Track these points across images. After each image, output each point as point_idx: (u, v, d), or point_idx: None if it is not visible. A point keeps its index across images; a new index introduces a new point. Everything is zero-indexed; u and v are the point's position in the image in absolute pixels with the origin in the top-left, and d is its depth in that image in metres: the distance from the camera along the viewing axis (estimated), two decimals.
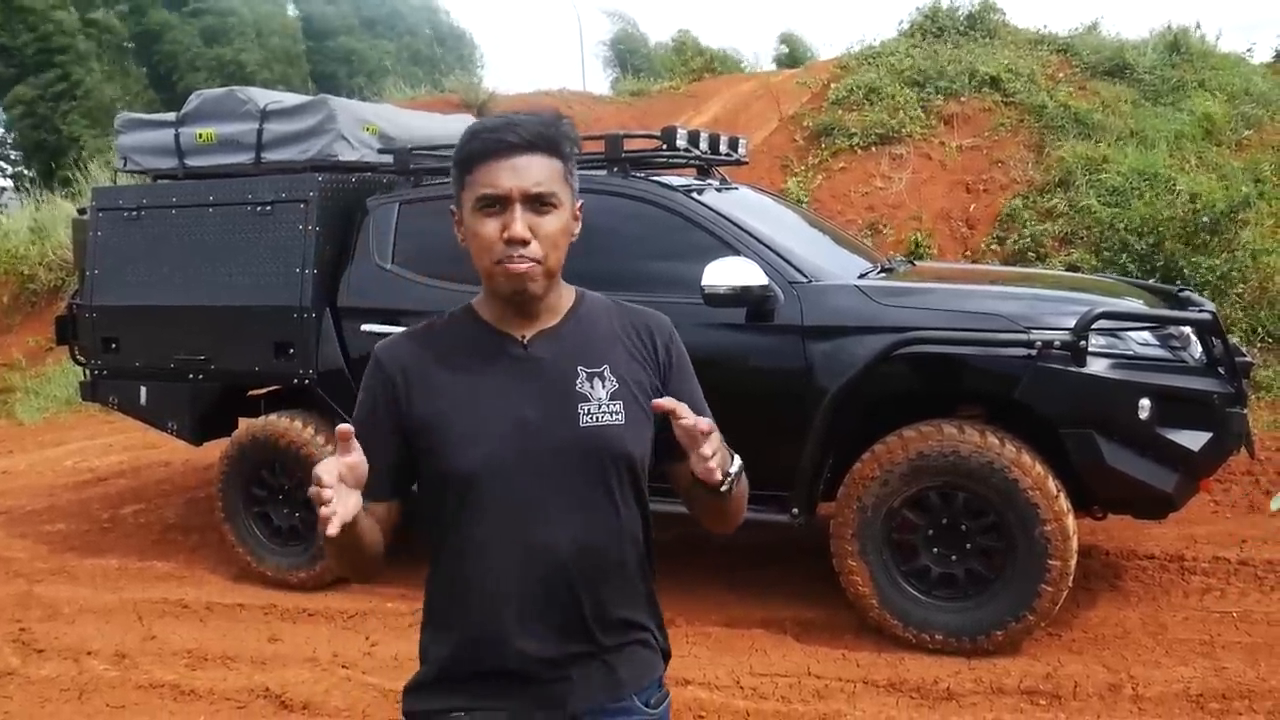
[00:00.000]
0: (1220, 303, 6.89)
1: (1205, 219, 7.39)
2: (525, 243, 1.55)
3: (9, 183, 31.14)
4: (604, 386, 1.63)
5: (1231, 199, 7.45)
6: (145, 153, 5.63)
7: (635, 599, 1.68)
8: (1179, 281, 6.72)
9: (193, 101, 5.59)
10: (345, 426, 1.43)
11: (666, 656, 1.77)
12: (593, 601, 1.60)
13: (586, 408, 1.61)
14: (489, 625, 1.59)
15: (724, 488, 1.54)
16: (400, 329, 4.62)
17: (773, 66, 16.24)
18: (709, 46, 18.03)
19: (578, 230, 1.66)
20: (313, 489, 1.38)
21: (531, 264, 1.56)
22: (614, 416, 1.62)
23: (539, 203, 1.56)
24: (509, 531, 1.57)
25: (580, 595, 1.59)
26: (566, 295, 1.70)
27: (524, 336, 1.64)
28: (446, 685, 1.63)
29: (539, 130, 1.57)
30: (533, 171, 1.55)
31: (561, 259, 1.62)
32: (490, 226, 1.56)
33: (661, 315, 1.76)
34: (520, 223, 1.54)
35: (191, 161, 5.45)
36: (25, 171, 31.05)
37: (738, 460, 1.61)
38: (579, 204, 1.66)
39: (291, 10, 38.39)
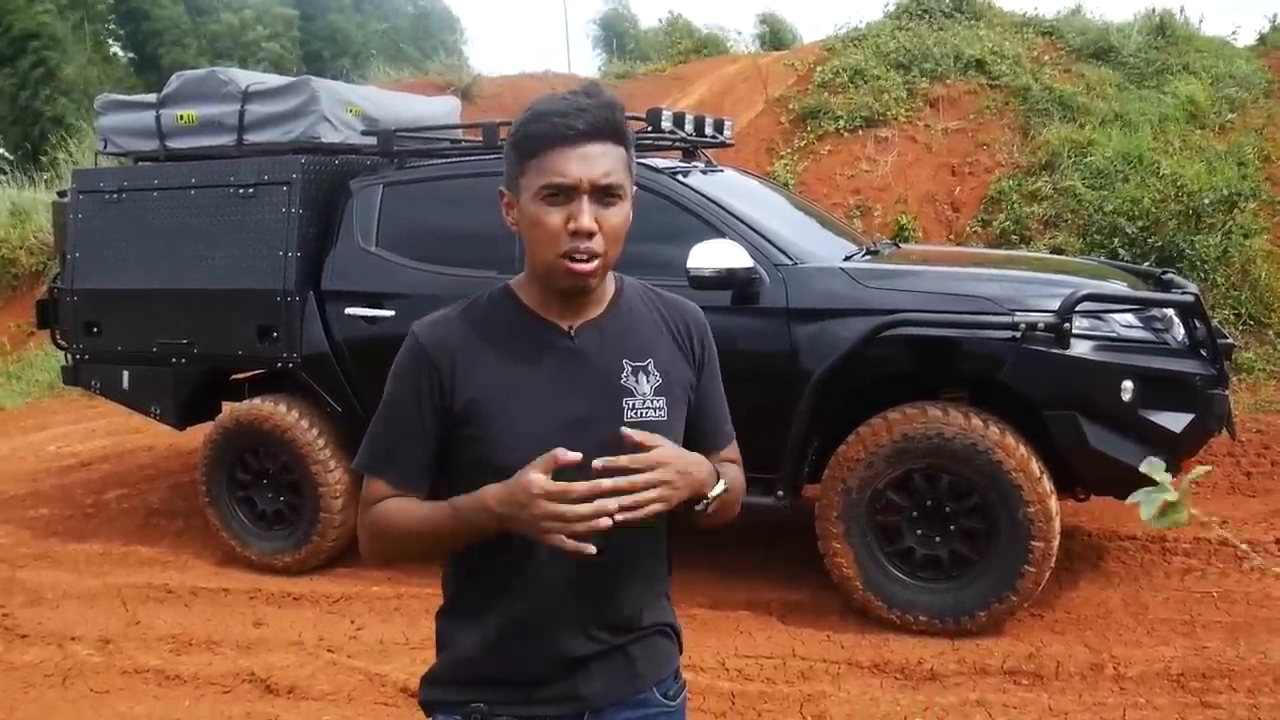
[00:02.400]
0: (1204, 285, 6.93)
1: (1207, 202, 7.40)
2: (591, 235, 1.50)
3: None
4: (648, 381, 1.60)
5: (1231, 185, 7.47)
6: (126, 135, 5.58)
7: (659, 592, 1.69)
8: (1177, 264, 6.76)
9: (173, 82, 5.53)
10: (570, 456, 1.40)
11: (681, 647, 1.75)
12: (626, 596, 1.60)
13: (632, 403, 1.57)
14: (533, 617, 1.57)
15: (700, 507, 1.56)
16: (382, 312, 4.65)
17: (755, 47, 16.14)
18: (700, 28, 17.93)
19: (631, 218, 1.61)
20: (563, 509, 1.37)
21: (595, 262, 1.52)
22: (658, 413, 1.59)
23: (606, 194, 1.50)
24: None
25: (616, 589, 1.59)
26: (609, 283, 1.65)
27: (570, 327, 1.59)
28: (470, 676, 1.60)
29: (606, 116, 1.50)
30: (601, 161, 1.49)
31: (619, 252, 1.56)
32: (555, 217, 1.49)
33: (696, 307, 1.75)
34: (588, 215, 1.48)
35: (173, 143, 5.40)
36: (6, 155, 30.72)
37: (720, 485, 1.58)
38: (634, 190, 1.60)
39: None
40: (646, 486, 1.42)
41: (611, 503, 1.39)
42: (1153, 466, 1.24)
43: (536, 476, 1.39)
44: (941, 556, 4.03)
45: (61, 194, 5.97)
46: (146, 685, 3.99)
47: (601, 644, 1.59)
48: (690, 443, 1.63)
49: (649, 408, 1.58)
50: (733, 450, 1.76)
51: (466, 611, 1.63)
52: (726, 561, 4.81)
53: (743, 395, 4.15)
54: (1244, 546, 4.61)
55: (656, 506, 1.44)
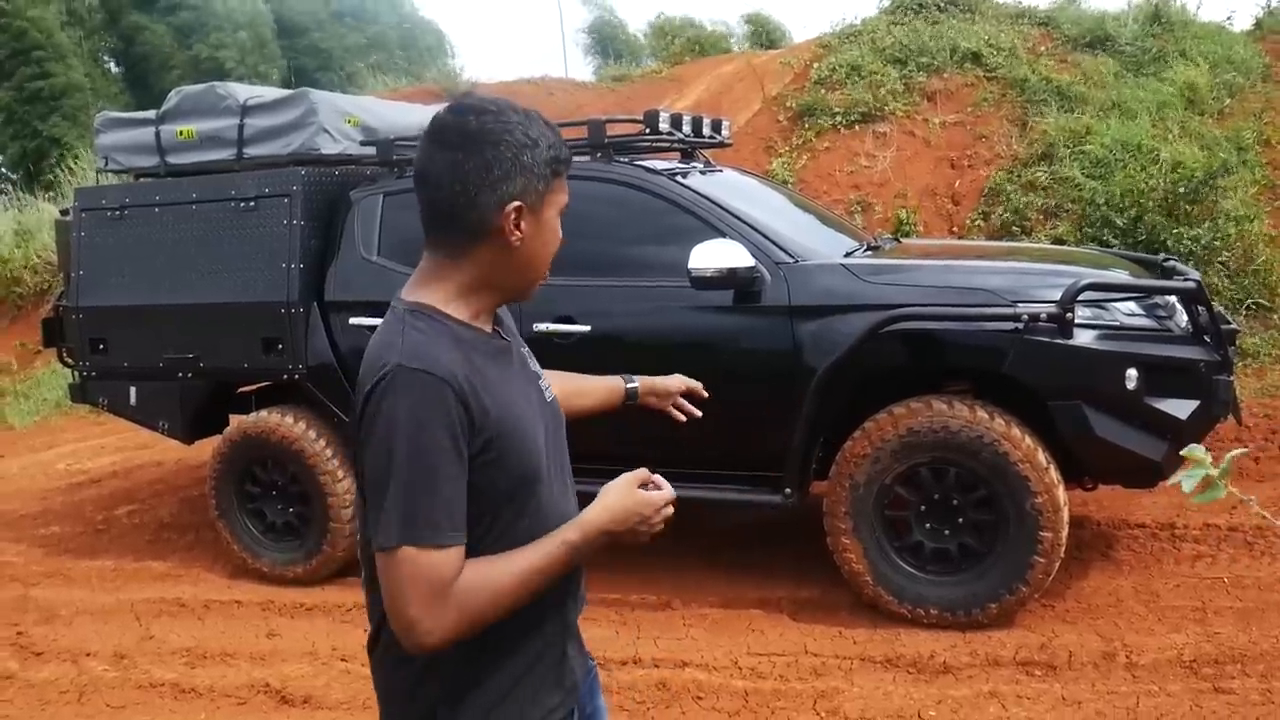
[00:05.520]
0: (1205, 272, 6.92)
1: (1183, 189, 7.40)
2: None
3: None
4: (535, 362, 1.73)
5: (1210, 167, 7.46)
6: (126, 151, 5.60)
7: None
8: (1162, 253, 6.75)
9: (172, 99, 5.55)
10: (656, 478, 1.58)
11: None
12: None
13: (545, 384, 1.71)
14: (559, 623, 1.63)
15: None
16: None
17: (744, 47, 16.14)
18: (694, 20, 17.90)
19: None
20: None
21: None
22: (551, 389, 1.73)
23: None
24: (559, 517, 1.57)
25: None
26: None
27: (498, 332, 1.65)
28: (505, 677, 1.58)
29: None
30: None
31: None
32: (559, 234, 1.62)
33: None
34: None
35: (173, 159, 5.42)
36: (9, 175, 30.83)
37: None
38: None
39: (261, 3, 38.16)
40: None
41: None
42: (1193, 451, 1.37)
43: (657, 494, 1.55)
44: (951, 549, 4.04)
45: (64, 212, 6.00)
46: (162, 699, 4.01)
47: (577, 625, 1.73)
48: None
49: (547, 386, 1.72)
50: None
51: (502, 650, 1.55)
52: (736, 560, 4.81)
53: (747, 394, 4.21)
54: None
55: None
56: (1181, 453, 1.37)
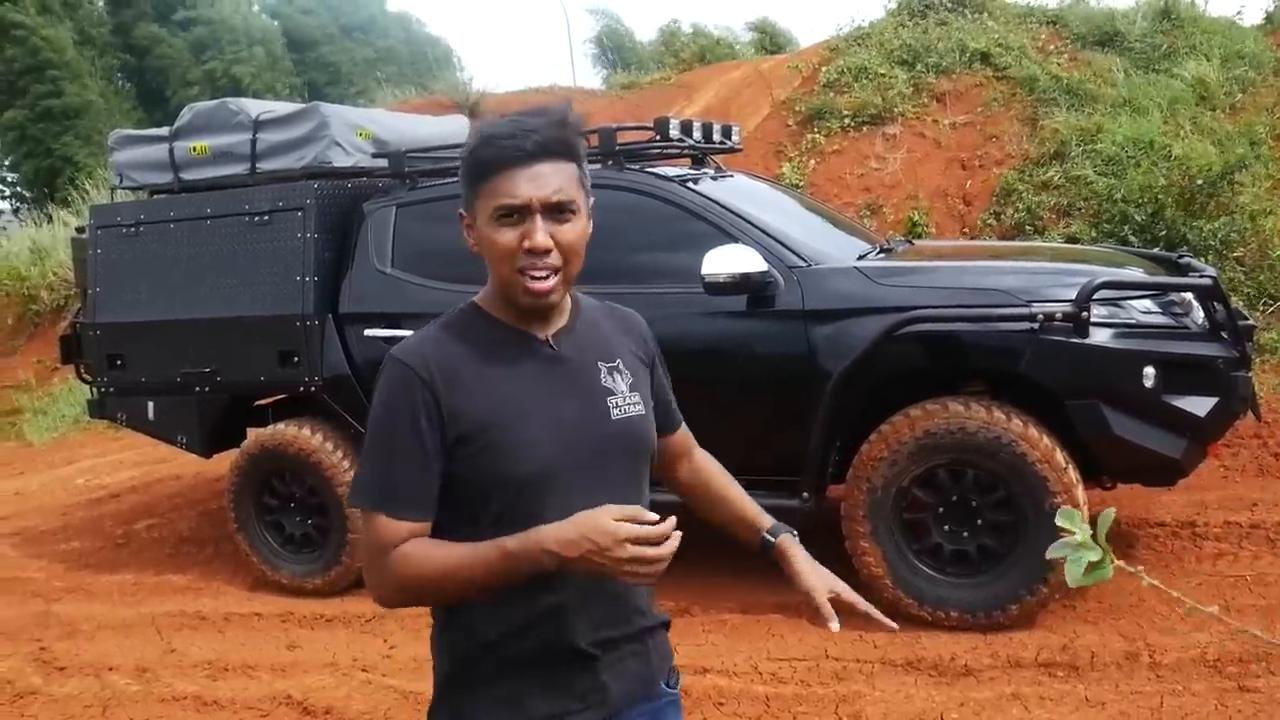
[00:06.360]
0: (1221, 267, 6.89)
1: (1200, 183, 7.37)
2: (547, 252, 1.54)
3: (6, 205, 31.14)
4: (623, 379, 1.67)
5: (1227, 162, 7.43)
6: (140, 168, 5.65)
7: (650, 589, 1.71)
8: (1181, 248, 6.72)
9: (185, 115, 5.60)
10: (649, 516, 1.46)
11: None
12: (633, 595, 1.65)
13: (614, 401, 1.64)
14: (558, 610, 1.59)
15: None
16: (401, 332, 4.67)
17: (750, 54, 16.15)
18: (702, 27, 17.91)
19: (590, 229, 1.65)
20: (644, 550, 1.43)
21: (552, 277, 1.56)
22: (636, 408, 1.67)
23: (558, 211, 1.55)
24: None
25: (624, 590, 1.60)
26: (569, 293, 1.71)
27: (547, 336, 1.63)
28: (498, 661, 1.61)
29: (553, 135, 1.54)
30: (551, 180, 1.53)
31: (580, 265, 1.60)
32: (509, 236, 1.54)
33: (635, 313, 1.83)
34: (541, 233, 1.53)
35: (187, 175, 5.47)
36: (24, 193, 31.09)
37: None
38: (590, 202, 1.64)
39: (272, 21, 38.50)
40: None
41: (676, 539, 1.45)
42: (1067, 516, 1.20)
43: (623, 526, 1.42)
44: (970, 551, 4.02)
45: (80, 230, 6.04)
46: (185, 712, 4.03)
47: (619, 640, 1.64)
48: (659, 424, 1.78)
49: (629, 404, 1.66)
50: (685, 427, 1.93)
51: (485, 603, 1.60)
52: (754, 566, 4.76)
53: (763, 398, 4.20)
54: None
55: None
56: (1057, 519, 1.20)
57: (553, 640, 1.59)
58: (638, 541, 1.42)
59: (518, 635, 1.59)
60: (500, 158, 1.53)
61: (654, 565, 1.43)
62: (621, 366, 1.68)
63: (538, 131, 1.53)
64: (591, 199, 1.64)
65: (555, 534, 1.46)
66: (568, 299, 1.69)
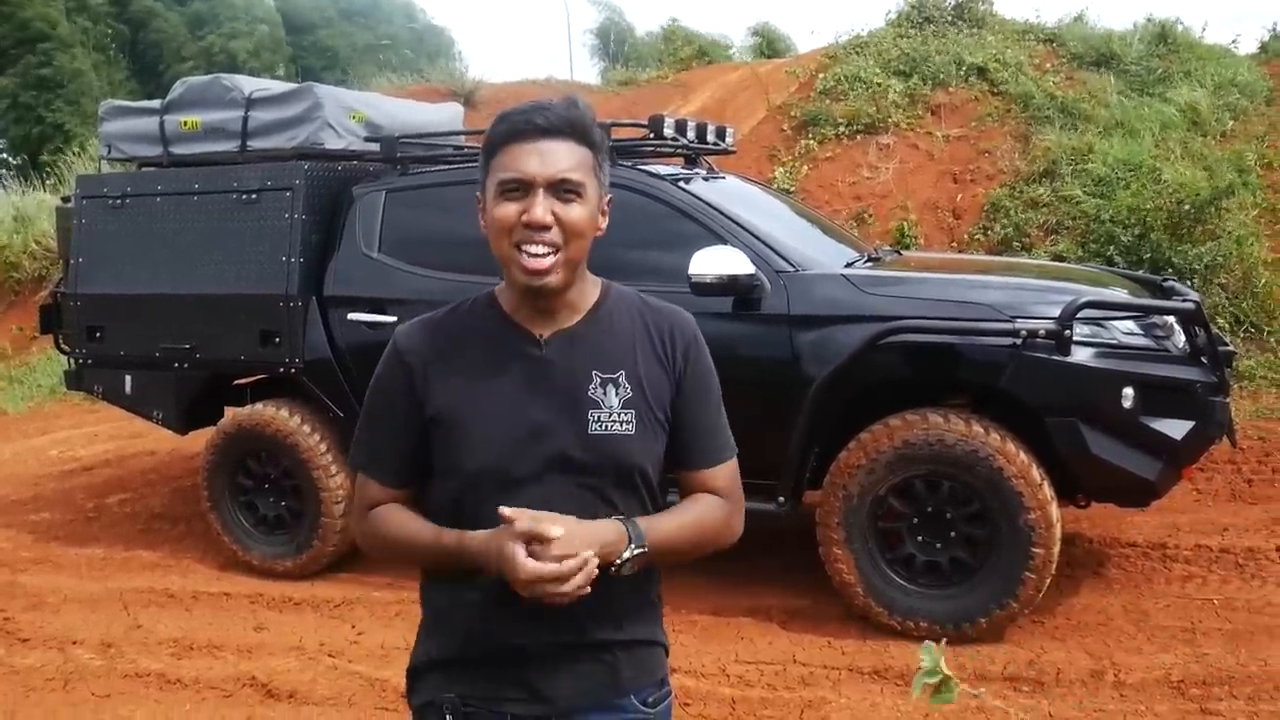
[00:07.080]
0: (1205, 292, 6.94)
1: (1188, 208, 7.43)
2: (545, 228, 1.51)
3: None
4: (617, 394, 1.59)
5: (1215, 188, 7.49)
6: (130, 140, 5.60)
7: (639, 603, 1.67)
8: (1166, 271, 6.76)
9: (177, 89, 5.55)
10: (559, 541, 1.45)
11: (666, 653, 1.75)
12: (589, 604, 1.51)
13: (597, 415, 1.57)
14: (485, 621, 1.59)
15: (613, 570, 1.52)
16: (384, 318, 4.65)
17: (749, 58, 16.19)
18: (699, 33, 17.93)
19: (604, 225, 1.62)
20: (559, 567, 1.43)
21: (550, 254, 1.52)
22: (624, 426, 1.58)
23: (563, 189, 1.52)
24: None
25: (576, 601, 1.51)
26: (591, 291, 1.66)
27: (542, 335, 1.60)
28: (442, 671, 1.65)
29: (570, 115, 1.53)
30: (559, 157, 1.52)
31: (584, 251, 1.57)
32: (509, 209, 1.52)
33: (687, 315, 1.71)
34: (541, 207, 1.51)
35: (176, 149, 5.42)
36: (9, 159, 30.81)
37: (631, 548, 1.53)
38: (607, 198, 1.62)
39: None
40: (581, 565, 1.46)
41: (581, 577, 1.45)
42: (926, 650, 1.30)
43: (523, 564, 1.43)
44: (942, 563, 4.03)
45: (65, 199, 5.99)
46: (148, 689, 4.00)
47: (568, 644, 1.59)
48: (675, 458, 1.66)
49: (614, 420, 1.58)
50: (723, 473, 1.69)
51: (439, 617, 1.70)
52: (727, 568, 4.80)
53: (744, 402, 4.17)
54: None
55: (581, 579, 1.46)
56: (921, 653, 1.28)
57: (483, 628, 1.60)
58: (538, 580, 1.43)
59: (463, 611, 1.62)
60: (511, 132, 1.53)
61: (557, 597, 1.45)
62: (623, 379, 1.59)
63: (553, 110, 1.53)
64: (609, 196, 1.62)
65: (481, 541, 1.52)
66: (585, 293, 1.64)
